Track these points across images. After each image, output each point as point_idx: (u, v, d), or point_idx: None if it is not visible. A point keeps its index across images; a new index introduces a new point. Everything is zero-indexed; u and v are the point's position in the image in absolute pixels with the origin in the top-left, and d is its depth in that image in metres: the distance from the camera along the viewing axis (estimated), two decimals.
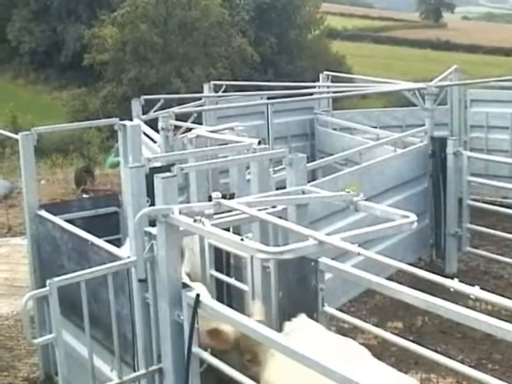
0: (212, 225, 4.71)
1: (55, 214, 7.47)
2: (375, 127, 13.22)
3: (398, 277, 7.45)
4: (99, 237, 6.62)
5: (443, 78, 12.49)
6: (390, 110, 15.46)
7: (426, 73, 27.72)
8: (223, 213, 5.20)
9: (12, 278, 9.57)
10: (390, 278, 4.97)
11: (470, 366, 4.82)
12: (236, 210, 5.02)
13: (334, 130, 13.87)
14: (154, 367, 5.41)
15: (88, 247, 6.55)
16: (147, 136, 10.36)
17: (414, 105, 11.49)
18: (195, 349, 4.89)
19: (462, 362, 5.54)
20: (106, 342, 6.12)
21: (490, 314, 4.06)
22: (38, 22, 47.87)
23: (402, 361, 7.64)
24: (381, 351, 7.89)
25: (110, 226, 8.02)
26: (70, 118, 29.69)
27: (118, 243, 6.98)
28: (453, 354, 7.39)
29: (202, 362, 5.12)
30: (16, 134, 8.05)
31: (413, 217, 4.67)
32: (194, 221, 4.69)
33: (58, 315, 4.95)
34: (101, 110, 33.63)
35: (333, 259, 5.43)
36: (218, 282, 6.29)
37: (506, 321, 3.80)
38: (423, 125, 10.95)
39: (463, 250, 10.42)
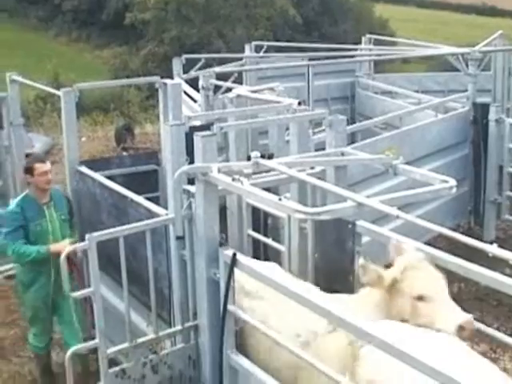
0: (250, 184, 4.73)
1: (95, 171, 7.54)
2: (417, 91, 13.08)
3: (436, 242, 7.41)
4: (138, 194, 6.68)
5: (488, 43, 12.29)
6: (433, 75, 15.28)
7: (470, 38, 27.29)
8: (262, 173, 5.21)
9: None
10: (427, 244, 4.95)
11: (505, 334, 4.79)
12: (275, 170, 5.02)
13: (375, 93, 13.75)
14: (190, 324, 5.47)
15: (127, 204, 6.61)
16: (187, 95, 10.37)
17: (457, 70, 11.33)
18: (231, 307, 4.93)
19: (497, 329, 5.49)
20: (143, 297, 6.19)
21: None
22: None
23: None
24: None
25: (149, 184, 8.07)
26: (110, 77, 29.74)
27: (156, 201, 7.03)
28: (488, 321, 7.35)
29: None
30: (58, 90, 8.11)
31: (452, 182, 4.64)
32: (233, 180, 4.71)
33: (97, 270, 5.00)
34: (141, 69, 33.63)
35: (370, 223, 5.43)
36: (255, 242, 6.31)
37: None
38: (466, 90, 10.81)
39: (502, 217, 10.34)
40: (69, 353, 5.17)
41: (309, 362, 4.22)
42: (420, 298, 4.40)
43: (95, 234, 5.04)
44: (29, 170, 6.47)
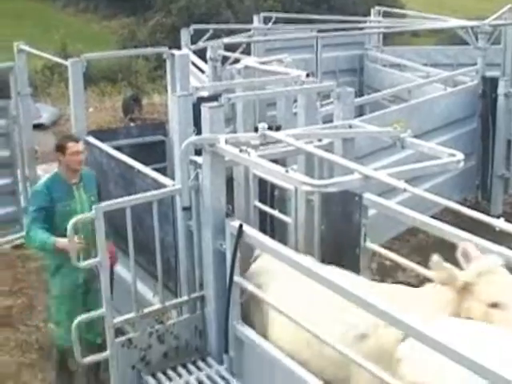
0: (257, 156, 4.72)
1: (103, 141, 7.54)
2: (426, 65, 12.99)
3: (442, 216, 7.40)
4: (145, 165, 6.68)
5: (498, 16, 12.18)
6: (442, 48, 15.16)
7: (479, 11, 27.03)
8: (269, 144, 5.20)
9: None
10: (433, 217, 4.94)
11: None
12: (282, 141, 5.01)
13: (384, 66, 13.66)
14: (196, 294, 5.50)
15: (134, 174, 6.62)
16: (195, 66, 10.32)
17: (467, 43, 11.25)
18: (237, 278, 4.95)
19: None
20: (150, 268, 6.22)
21: None
22: None
23: None
24: None
25: (156, 155, 8.08)
26: (118, 47, 29.59)
27: (163, 172, 7.03)
28: None
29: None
30: (65, 60, 8.09)
31: (460, 155, 4.63)
32: (240, 151, 4.71)
33: (103, 239, 5.02)
34: (149, 39, 33.46)
35: (377, 196, 5.43)
36: (262, 213, 6.31)
37: None
38: (475, 64, 10.74)
39: (509, 192, 10.34)
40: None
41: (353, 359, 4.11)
42: (494, 305, 4.17)
43: (102, 203, 5.05)
44: (60, 149, 6.12)
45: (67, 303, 6.04)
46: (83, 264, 5.18)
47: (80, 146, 6.14)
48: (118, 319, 5.33)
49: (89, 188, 6.21)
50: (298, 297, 4.78)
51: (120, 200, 5.32)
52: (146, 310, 5.47)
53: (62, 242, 5.68)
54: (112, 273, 5.79)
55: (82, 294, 6.13)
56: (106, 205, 5.11)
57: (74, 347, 5.15)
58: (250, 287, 4.97)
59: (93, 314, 5.32)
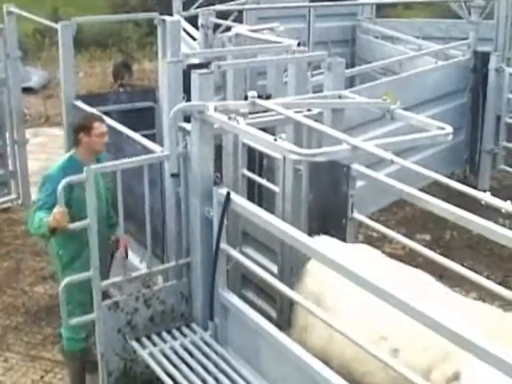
0: (246, 124, 4.72)
1: (92, 106, 7.51)
2: (418, 38, 12.95)
3: (430, 190, 7.44)
4: (135, 131, 6.67)
5: None
6: (434, 21, 15.08)
7: None
8: (258, 113, 5.20)
9: (48, 166, 9.64)
10: (421, 191, 4.96)
11: (494, 283, 4.83)
12: (271, 110, 5.01)
13: (376, 38, 13.62)
14: (183, 261, 5.53)
15: (123, 140, 6.61)
16: (187, 33, 10.27)
17: (460, 17, 11.23)
18: (223, 245, 4.97)
19: (487, 277, 5.55)
20: (138, 235, 6.25)
21: None
22: None
23: (427, 272, 7.70)
24: (407, 262, 7.96)
25: (145, 121, 8.04)
26: (110, 13, 29.35)
27: (152, 138, 7.01)
28: (479, 269, 7.41)
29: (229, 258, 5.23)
30: (56, 24, 8.03)
31: (449, 129, 4.64)
32: (229, 118, 4.70)
33: (93, 203, 4.97)
34: (141, 5, 33.20)
35: (366, 167, 5.43)
36: (250, 182, 6.32)
37: None
38: (467, 38, 10.71)
39: (497, 167, 10.34)
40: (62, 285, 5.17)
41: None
42: None
43: (92, 166, 5.02)
44: (85, 128, 5.55)
45: (79, 295, 5.50)
46: (72, 225, 5.12)
47: (105, 128, 5.68)
48: (106, 282, 5.37)
49: (106, 173, 5.57)
50: (371, 312, 4.39)
51: (109, 163, 5.32)
52: (133, 274, 5.51)
53: (51, 218, 5.05)
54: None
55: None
56: (96, 167, 5.11)
57: (61, 307, 5.16)
58: (236, 255, 5.01)
59: (80, 275, 5.22)
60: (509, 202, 4.47)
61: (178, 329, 5.50)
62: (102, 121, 5.72)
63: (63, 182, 4.96)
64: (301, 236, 4.39)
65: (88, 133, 5.53)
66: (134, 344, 5.35)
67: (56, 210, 4.98)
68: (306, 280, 5.12)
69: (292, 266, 5.60)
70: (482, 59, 10.14)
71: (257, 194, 6.33)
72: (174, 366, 5.05)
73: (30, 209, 5.65)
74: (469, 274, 4.79)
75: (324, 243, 5.12)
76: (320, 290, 4.93)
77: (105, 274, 5.47)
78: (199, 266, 5.30)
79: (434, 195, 4.75)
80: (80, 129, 5.58)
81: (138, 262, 6.27)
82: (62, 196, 4.96)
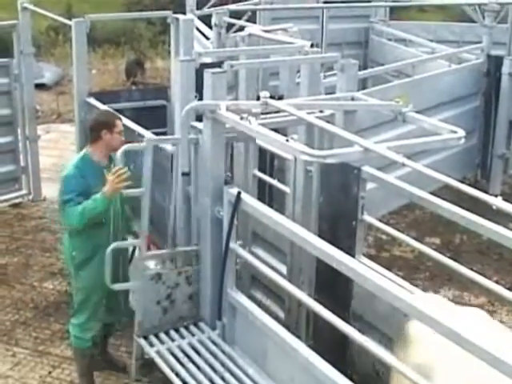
0: (258, 124, 4.72)
1: (104, 103, 7.53)
2: (431, 41, 12.92)
3: (441, 194, 7.41)
4: (146, 129, 6.67)
5: None
6: (448, 25, 15.05)
7: None
8: (270, 114, 5.19)
9: (60, 163, 9.67)
10: (431, 194, 4.95)
11: (504, 288, 4.80)
12: (283, 111, 5.01)
13: (389, 40, 13.60)
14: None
15: (135, 138, 6.60)
16: (200, 32, 10.27)
17: (473, 21, 11.18)
18: (233, 245, 4.97)
19: (496, 282, 5.52)
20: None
21: None
22: None
23: (436, 276, 7.70)
24: (416, 265, 7.97)
25: (157, 119, 8.06)
26: (123, 11, 29.43)
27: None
28: (488, 274, 7.38)
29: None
30: (70, 21, 8.05)
31: (461, 132, 4.63)
32: (241, 118, 4.70)
33: (149, 173, 5.15)
34: (155, 4, 33.27)
35: (377, 170, 5.42)
36: (260, 182, 6.31)
37: None
38: (481, 42, 10.68)
39: (509, 172, 10.31)
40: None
41: None
42: None
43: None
44: (108, 126, 5.45)
45: (94, 295, 5.50)
46: (128, 191, 5.23)
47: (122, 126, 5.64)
48: (151, 252, 5.53)
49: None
50: None
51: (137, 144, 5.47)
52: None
53: (108, 187, 5.16)
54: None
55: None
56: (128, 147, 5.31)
57: (105, 270, 5.21)
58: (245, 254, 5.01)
59: (128, 242, 5.52)
60: None
61: (186, 327, 5.50)
62: (120, 119, 5.66)
63: (124, 147, 5.18)
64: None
65: (110, 130, 5.44)
66: (142, 342, 5.36)
67: (110, 176, 5.14)
68: (410, 348, 4.19)
69: (301, 266, 5.60)
70: (496, 63, 10.11)
71: (267, 195, 6.33)
72: (182, 364, 5.06)
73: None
74: (478, 279, 4.75)
75: (432, 303, 4.32)
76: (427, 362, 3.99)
77: (118, 275, 5.50)
78: (209, 265, 5.30)
79: (444, 199, 4.73)
80: (102, 126, 5.47)
81: (153, 265, 6.28)
82: (120, 160, 5.15)
